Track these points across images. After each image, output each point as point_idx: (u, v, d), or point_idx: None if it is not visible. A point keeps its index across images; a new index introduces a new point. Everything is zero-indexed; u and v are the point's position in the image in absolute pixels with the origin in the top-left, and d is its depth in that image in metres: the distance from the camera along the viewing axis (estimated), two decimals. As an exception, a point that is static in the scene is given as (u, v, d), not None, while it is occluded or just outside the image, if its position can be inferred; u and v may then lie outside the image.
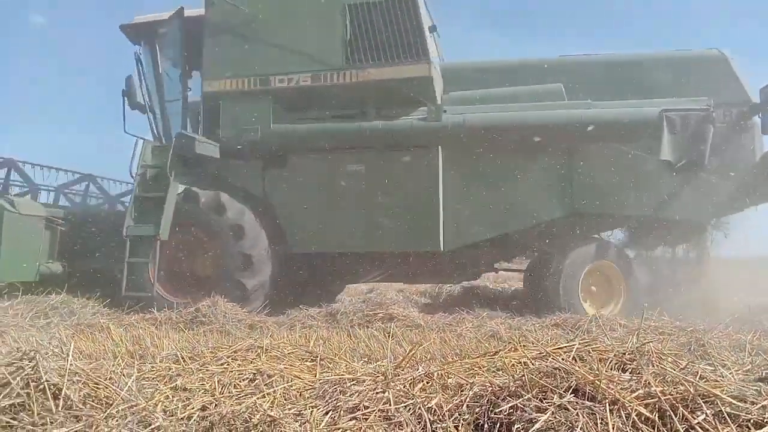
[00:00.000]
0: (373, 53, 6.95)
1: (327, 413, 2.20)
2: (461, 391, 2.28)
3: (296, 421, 2.16)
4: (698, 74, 7.05)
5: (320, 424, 2.13)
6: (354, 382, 2.44)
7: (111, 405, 2.19)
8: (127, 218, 6.85)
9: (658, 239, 7.42)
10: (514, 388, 2.09)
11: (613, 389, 1.97)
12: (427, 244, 6.90)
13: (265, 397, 2.42)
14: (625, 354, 2.23)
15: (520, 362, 2.41)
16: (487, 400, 2.12)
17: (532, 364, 2.25)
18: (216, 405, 2.30)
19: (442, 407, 2.16)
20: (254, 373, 2.68)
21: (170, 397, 2.42)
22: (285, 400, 2.43)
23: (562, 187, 6.84)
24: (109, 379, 2.35)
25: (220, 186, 7.16)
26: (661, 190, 6.71)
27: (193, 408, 2.29)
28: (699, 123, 6.43)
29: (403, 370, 2.53)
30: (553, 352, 2.29)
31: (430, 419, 2.10)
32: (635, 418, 1.87)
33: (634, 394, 1.95)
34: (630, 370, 2.15)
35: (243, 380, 2.63)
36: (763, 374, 2.30)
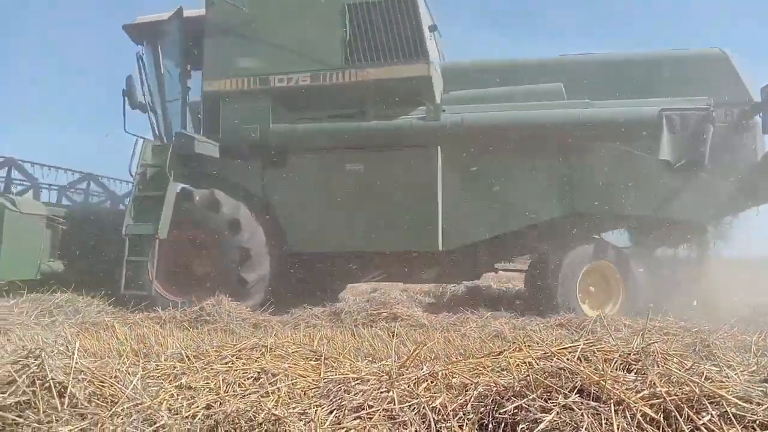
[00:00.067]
0: (373, 53, 6.96)
1: (331, 412, 2.20)
2: (466, 390, 2.29)
3: (300, 420, 2.16)
4: (700, 73, 7.03)
5: (324, 423, 2.13)
6: (358, 381, 2.44)
7: (116, 403, 2.19)
8: (127, 217, 6.86)
9: (658, 239, 7.41)
10: (518, 388, 2.10)
11: (618, 389, 1.97)
12: (426, 243, 6.90)
13: (269, 395, 2.43)
14: (630, 354, 2.23)
15: (525, 362, 2.41)
16: (492, 400, 2.12)
17: (537, 364, 2.25)
18: (221, 403, 2.29)
19: (446, 407, 2.16)
20: (259, 372, 2.68)
21: (175, 395, 2.42)
22: (289, 398, 2.43)
23: (562, 187, 6.84)
24: (114, 377, 2.35)
25: (219, 185, 7.14)
26: (660, 190, 6.68)
27: (197, 406, 2.29)
28: (699, 122, 6.43)
29: (407, 370, 2.53)
30: (558, 352, 2.29)
31: (434, 419, 2.10)
32: (640, 418, 1.87)
33: (639, 395, 1.96)
34: (635, 370, 2.14)
35: (247, 379, 2.63)
36: (769, 375, 2.30)
